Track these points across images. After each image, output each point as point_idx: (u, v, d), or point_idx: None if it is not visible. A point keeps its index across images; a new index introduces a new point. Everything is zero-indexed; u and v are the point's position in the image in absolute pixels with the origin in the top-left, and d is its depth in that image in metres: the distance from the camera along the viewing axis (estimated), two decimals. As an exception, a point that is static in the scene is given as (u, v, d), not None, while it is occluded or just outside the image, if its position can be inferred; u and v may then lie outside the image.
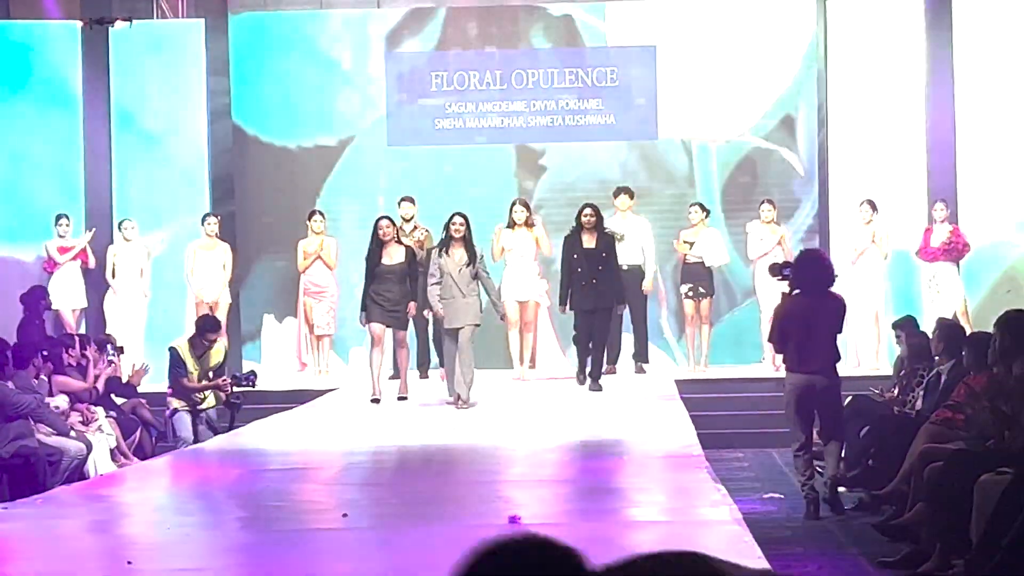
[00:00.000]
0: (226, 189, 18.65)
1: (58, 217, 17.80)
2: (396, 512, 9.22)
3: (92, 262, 17.73)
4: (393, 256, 15.10)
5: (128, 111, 18.47)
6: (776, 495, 12.34)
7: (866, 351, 17.26)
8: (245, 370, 15.80)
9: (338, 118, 19.29)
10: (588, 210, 15.72)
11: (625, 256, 16.88)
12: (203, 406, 14.47)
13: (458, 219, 14.99)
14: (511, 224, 16.69)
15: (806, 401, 11.19)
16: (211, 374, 14.53)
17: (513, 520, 8.44)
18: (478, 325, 14.93)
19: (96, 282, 17.83)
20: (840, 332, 11.51)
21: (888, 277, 17.36)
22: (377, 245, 15.16)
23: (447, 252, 14.88)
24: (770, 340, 11.49)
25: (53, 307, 17.36)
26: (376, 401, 15.04)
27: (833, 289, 11.44)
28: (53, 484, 11.50)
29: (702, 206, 17.67)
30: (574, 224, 15.77)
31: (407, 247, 15.39)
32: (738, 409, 16.07)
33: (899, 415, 11.76)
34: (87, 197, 18.29)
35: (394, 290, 14.97)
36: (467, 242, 14.93)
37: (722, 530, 8.15)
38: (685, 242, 17.35)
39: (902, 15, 18.21)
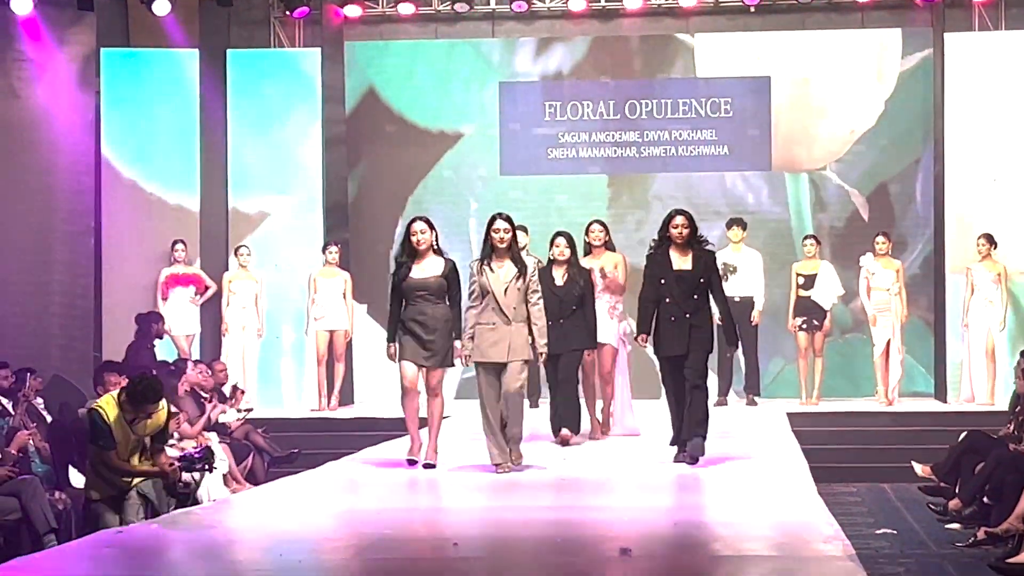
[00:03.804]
0: (340, 217, 18.78)
1: (174, 243, 18.00)
2: (504, 543, 9.19)
3: (211, 288, 17.89)
4: (426, 268, 11.76)
5: (244, 138, 18.66)
6: (889, 531, 12.21)
7: (980, 386, 17.03)
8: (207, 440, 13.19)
9: (450, 144, 19.48)
10: (680, 219, 11.89)
11: (738, 288, 16.84)
12: (131, 486, 10.89)
13: (501, 224, 11.77)
14: (587, 249, 13.95)
15: None
16: (148, 444, 11.05)
17: (625, 552, 8.40)
18: (527, 361, 11.78)
19: (211, 308, 17.99)
20: None
21: (1006, 311, 17.10)
22: (409, 254, 11.86)
23: (489, 267, 11.72)
24: None
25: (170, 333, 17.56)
26: (413, 462, 12.14)
27: None
28: (167, 509, 11.56)
29: (816, 239, 17.58)
30: (656, 239, 12.13)
31: (447, 260, 11.88)
32: (851, 443, 15.94)
33: (1014, 452, 11.59)
34: (202, 224, 18.47)
35: (429, 312, 11.71)
36: (514, 253, 11.81)
37: (834, 566, 8.05)
38: (799, 274, 17.28)
39: (1019, 46, 17.99)
